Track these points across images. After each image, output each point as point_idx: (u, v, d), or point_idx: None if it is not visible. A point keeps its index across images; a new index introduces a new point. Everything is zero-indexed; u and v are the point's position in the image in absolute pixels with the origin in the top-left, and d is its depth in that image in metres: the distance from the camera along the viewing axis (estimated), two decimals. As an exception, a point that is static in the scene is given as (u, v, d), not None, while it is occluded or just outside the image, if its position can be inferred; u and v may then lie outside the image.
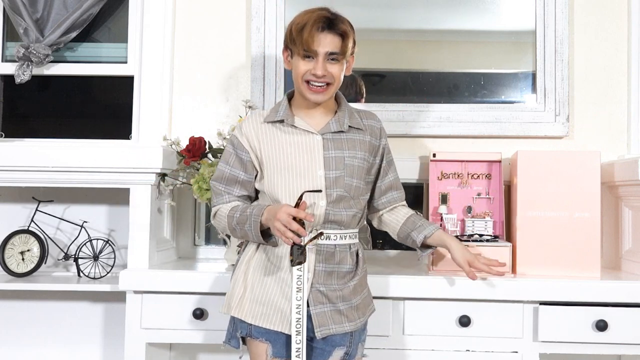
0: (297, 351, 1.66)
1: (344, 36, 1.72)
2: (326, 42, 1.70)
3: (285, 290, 1.71)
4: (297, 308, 1.67)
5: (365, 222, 1.89)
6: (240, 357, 1.85)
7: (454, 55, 2.50)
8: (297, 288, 1.67)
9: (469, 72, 2.49)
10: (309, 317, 1.69)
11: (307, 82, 1.73)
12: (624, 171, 2.15)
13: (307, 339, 1.69)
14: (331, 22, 1.71)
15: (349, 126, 1.79)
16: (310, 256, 1.71)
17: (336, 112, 1.81)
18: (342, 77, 1.77)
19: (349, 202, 1.75)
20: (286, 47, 1.79)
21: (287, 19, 2.49)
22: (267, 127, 1.79)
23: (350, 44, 1.74)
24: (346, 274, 1.75)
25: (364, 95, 2.47)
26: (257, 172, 1.80)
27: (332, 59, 1.72)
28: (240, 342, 1.77)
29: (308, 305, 1.69)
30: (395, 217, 1.90)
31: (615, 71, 2.46)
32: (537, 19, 2.45)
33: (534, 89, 2.46)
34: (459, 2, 2.49)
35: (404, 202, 1.94)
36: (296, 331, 1.66)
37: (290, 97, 1.84)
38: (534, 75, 2.46)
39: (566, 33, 2.43)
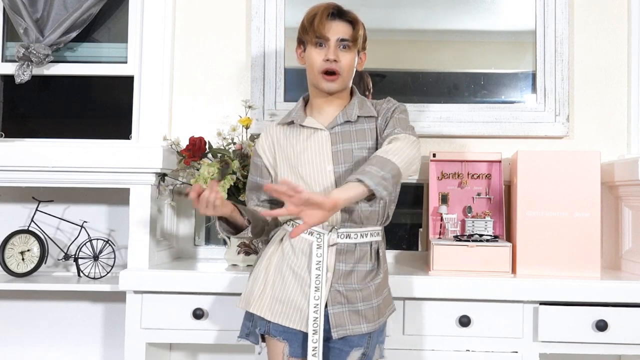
0: (313, 350, 1.66)
1: (354, 23, 1.76)
2: (337, 29, 1.74)
3: (304, 289, 1.71)
4: (314, 307, 1.67)
5: (386, 223, 1.84)
6: (259, 353, 1.85)
7: (454, 55, 2.50)
8: (316, 287, 1.68)
9: (469, 72, 2.49)
10: (327, 316, 1.69)
11: (323, 72, 1.74)
12: (624, 171, 2.15)
13: (324, 339, 1.69)
14: (340, 10, 1.77)
15: (359, 116, 1.78)
16: (331, 255, 1.71)
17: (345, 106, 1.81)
18: (352, 68, 1.78)
19: None
20: (299, 42, 1.82)
21: (287, 19, 2.49)
22: (281, 130, 1.83)
23: (360, 32, 1.77)
24: (367, 273, 1.74)
25: (371, 91, 2.46)
26: (272, 175, 1.83)
27: (344, 47, 1.75)
28: (260, 338, 1.77)
29: (327, 305, 1.69)
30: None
31: (615, 71, 2.46)
32: (537, 19, 2.46)
33: (534, 89, 2.46)
34: (459, 2, 2.49)
35: (400, 134, 1.69)
36: (313, 330, 1.66)
37: (307, 102, 1.86)
38: (534, 75, 2.46)
39: (566, 33, 2.43)
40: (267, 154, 1.84)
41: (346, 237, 1.73)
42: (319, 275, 1.68)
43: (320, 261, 1.69)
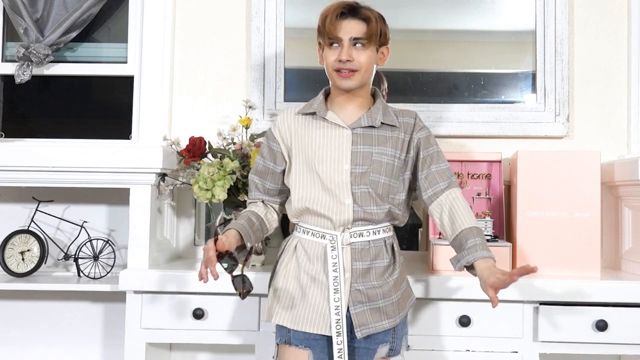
0: (338, 352, 1.65)
1: (367, 21, 1.71)
2: (349, 28, 1.70)
3: (325, 292, 1.70)
4: (335, 309, 1.66)
5: (404, 221, 1.83)
6: (273, 357, 1.83)
7: (454, 55, 2.50)
8: (335, 289, 1.67)
9: (469, 72, 2.49)
10: (349, 317, 1.68)
11: (337, 70, 1.72)
12: (624, 171, 2.15)
13: (349, 339, 1.69)
14: (354, 8, 1.73)
15: (382, 122, 1.76)
16: (346, 256, 1.70)
17: (370, 108, 1.79)
18: (371, 66, 1.75)
19: (377, 199, 1.72)
20: (319, 42, 1.79)
21: (287, 19, 2.49)
22: (300, 119, 1.80)
23: (376, 29, 1.72)
24: (385, 269, 1.73)
25: (387, 91, 2.43)
26: (287, 163, 1.80)
27: (358, 45, 1.71)
28: (275, 351, 1.77)
29: (348, 306, 1.68)
30: (442, 219, 1.76)
31: (615, 71, 2.46)
32: (537, 19, 2.46)
33: (534, 89, 2.46)
34: (459, 2, 2.49)
35: (450, 190, 1.77)
36: (337, 332, 1.65)
37: (328, 94, 1.83)
38: (534, 75, 2.46)
39: (566, 33, 2.43)
40: (284, 140, 1.80)
41: (359, 236, 1.72)
42: (337, 276, 1.68)
43: (336, 262, 1.68)
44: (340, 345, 1.65)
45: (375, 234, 1.73)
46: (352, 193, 1.70)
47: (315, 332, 1.69)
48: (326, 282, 1.69)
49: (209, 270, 1.59)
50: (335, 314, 1.66)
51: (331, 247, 1.70)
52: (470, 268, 1.70)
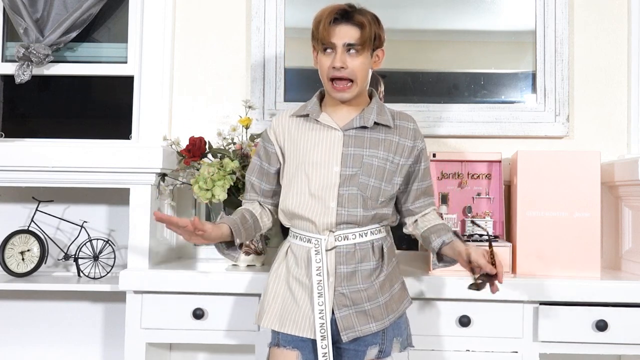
0: (323, 356, 1.64)
1: (361, 26, 1.68)
2: (342, 34, 1.68)
3: (311, 296, 1.69)
4: (320, 313, 1.66)
5: (391, 225, 1.83)
6: None
7: (454, 55, 2.50)
8: (319, 293, 1.66)
9: (469, 72, 2.49)
10: (335, 320, 1.68)
11: (332, 80, 1.70)
12: (624, 171, 2.15)
13: (337, 342, 1.69)
14: (347, 13, 1.69)
15: (376, 123, 1.74)
16: (330, 259, 1.70)
17: (364, 109, 1.77)
18: (366, 72, 1.72)
19: (364, 202, 1.70)
20: (314, 47, 1.77)
21: (287, 19, 2.49)
22: (294, 121, 1.79)
23: (370, 34, 1.69)
24: (372, 272, 1.71)
25: (383, 93, 2.43)
26: (281, 165, 1.80)
27: (352, 51, 1.69)
28: (268, 353, 1.77)
29: (334, 310, 1.68)
30: (427, 222, 1.82)
31: (615, 71, 2.46)
32: (537, 19, 2.46)
33: (534, 89, 2.46)
34: (459, 2, 2.49)
35: (435, 208, 1.87)
36: (321, 336, 1.65)
37: (323, 96, 1.82)
38: (534, 75, 2.46)
39: (566, 33, 2.43)
40: (278, 142, 1.80)
41: (344, 239, 1.71)
42: (321, 280, 1.67)
43: (320, 267, 1.68)
44: (325, 350, 1.65)
45: (362, 236, 1.72)
46: (338, 195, 1.69)
47: (301, 335, 1.69)
48: (310, 285, 1.69)
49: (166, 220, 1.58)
50: (320, 317, 1.66)
51: (315, 251, 1.69)
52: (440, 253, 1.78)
